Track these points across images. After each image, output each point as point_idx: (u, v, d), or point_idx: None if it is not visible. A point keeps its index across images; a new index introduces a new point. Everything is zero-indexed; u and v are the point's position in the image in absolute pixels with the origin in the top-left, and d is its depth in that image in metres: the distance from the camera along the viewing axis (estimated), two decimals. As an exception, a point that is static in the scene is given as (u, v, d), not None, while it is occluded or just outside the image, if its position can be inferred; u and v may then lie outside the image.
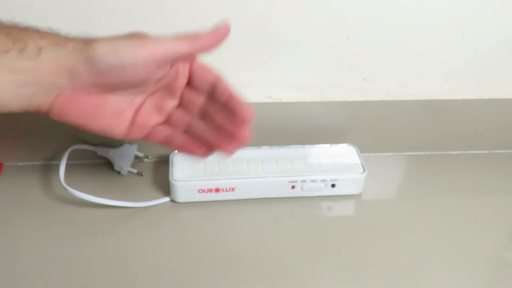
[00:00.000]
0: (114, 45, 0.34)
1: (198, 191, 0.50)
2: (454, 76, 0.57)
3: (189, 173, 0.51)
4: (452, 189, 0.55)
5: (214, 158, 0.53)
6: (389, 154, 0.61)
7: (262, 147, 0.55)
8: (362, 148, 0.56)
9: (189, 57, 0.39)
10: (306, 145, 0.56)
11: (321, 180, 0.52)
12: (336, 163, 0.53)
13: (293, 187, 0.52)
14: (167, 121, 0.41)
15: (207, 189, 0.51)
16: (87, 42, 0.35)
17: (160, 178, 0.54)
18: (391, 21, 0.52)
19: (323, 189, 0.52)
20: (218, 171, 0.52)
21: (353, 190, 0.53)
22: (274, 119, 0.56)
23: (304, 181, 0.51)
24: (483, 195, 0.55)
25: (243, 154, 0.54)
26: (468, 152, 0.61)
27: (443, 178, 0.57)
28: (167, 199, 0.52)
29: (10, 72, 0.33)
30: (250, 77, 0.55)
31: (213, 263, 0.45)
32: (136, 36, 0.35)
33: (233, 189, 0.51)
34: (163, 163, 0.57)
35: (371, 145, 0.59)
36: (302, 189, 0.52)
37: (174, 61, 0.37)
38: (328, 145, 0.56)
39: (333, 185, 0.52)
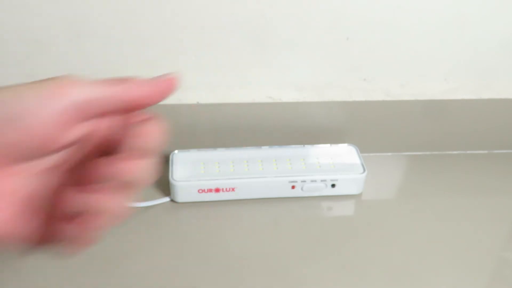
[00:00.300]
0: (19, 91, 0.23)
1: (198, 191, 0.50)
2: (454, 76, 0.57)
3: (189, 173, 0.51)
4: (452, 189, 0.55)
5: (214, 158, 0.53)
6: (389, 154, 0.61)
7: (262, 147, 0.55)
8: (362, 148, 0.56)
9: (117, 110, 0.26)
10: (306, 145, 0.56)
11: (321, 180, 0.52)
12: (336, 163, 0.53)
13: (293, 187, 0.52)
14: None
15: (207, 189, 0.51)
16: None
17: (160, 178, 0.54)
18: (391, 21, 0.52)
19: (323, 189, 0.52)
20: (218, 171, 0.52)
21: (353, 190, 0.53)
22: (274, 119, 0.56)
23: (304, 181, 0.51)
24: (483, 195, 0.55)
25: (243, 154, 0.54)
26: (468, 152, 0.61)
27: (443, 178, 0.57)
28: (167, 199, 0.52)
29: None
30: (250, 77, 0.55)
31: (213, 263, 0.45)
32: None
33: (233, 189, 0.51)
34: (163, 163, 0.57)
35: (371, 145, 0.59)
36: (302, 189, 0.52)
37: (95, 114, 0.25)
38: (328, 145, 0.56)
39: (333, 185, 0.52)
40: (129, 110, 0.26)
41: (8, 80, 0.53)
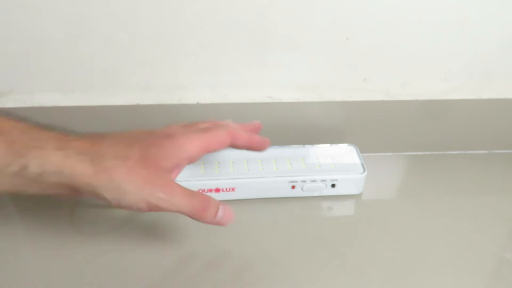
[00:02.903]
0: (124, 192, 0.36)
1: (198, 191, 0.50)
2: (454, 76, 0.57)
3: (189, 173, 0.51)
4: (452, 189, 0.55)
5: (214, 158, 0.53)
6: (389, 154, 0.61)
7: (262, 147, 0.55)
8: (362, 148, 0.56)
9: None
10: (306, 145, 0.56)
11: (321, 180, 0.52)
12: (336, 163, 0.53)
13: (293, 187, 0.52)
14: None
15: (207, 189, 0.51)
16: (98, 175, 0.35)
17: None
18: (391, 21, 0.52)
19: (323, 189, 0.52)
20: (218, 171, 0.52)
21: (353, 190, 0.53)
22: (274, 119, 0.56)
23: (304, 181, 0.51)
24: (483, 195, 0.55)
25: (243, 154, 0.54)
26: (468, 152, 0.61)
27: (443, 178, 0.57)
28: (167, 199, 0.52)
29: (10, 186, 0.35)
30: (250, 77, 0.55)
31: (213, 263, 0.45)
32: (151, 183, 0.37)
33: (233, 189, 0.51)
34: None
35: (371, 145, 0.59)
36: (302, 189, 0.52)
37: None
38: (328, 145, 0.56)
39: (333, 185, 0.52)
40: None
41: (8, 80, 0.53)
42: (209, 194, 0.51)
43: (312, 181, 0.51)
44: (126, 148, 0.37)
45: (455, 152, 0.61)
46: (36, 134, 0.36)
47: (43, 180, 0.35)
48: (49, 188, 0.36)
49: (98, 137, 0.38)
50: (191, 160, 0.40)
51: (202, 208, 0.39)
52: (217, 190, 0.51)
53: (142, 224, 0.49)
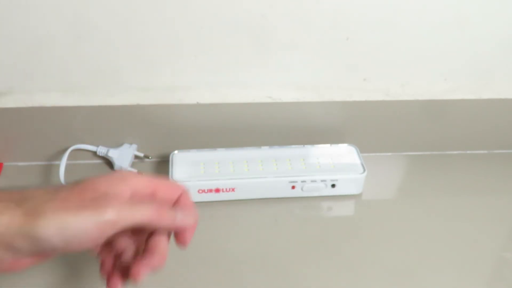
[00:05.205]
0: (63, 223, 0.29)
1: (198, 191, 0.50)
2: (454, 76, 0.57)
3: (189, 173, 0.51)
4: (452, 189, 0.55)
5: (214, 158, 0.53)
6: (389, 154, 0.61)
7: (262, 147, 0.55)
8: (362, 148, 0.56)
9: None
10: (306, 145, 0.56)
11: (321, 180, 0.52)
12: (336, 163, 0.53)
13: (293, 187, 0.52)
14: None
15: (207, 189, 0.51)
16: (28, 213, 0.29)
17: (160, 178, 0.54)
18: (391, 21, 0.52)
19: (323, 189, 0.52)
20: (218, 171, 0.52)
21: (353, 190, 0.53)
22: (274, 119, 0.56)
23: (304, 181, 0.51)
24: (483, 195, 0.55)
25: (243, 154, 0.54)
26: (468, 152, 0.61)
27: (443, 178, 0.57)
28: (167, 199, 0.52)
29: None
30: (250, 77, 0.55)
31: (213, 263, 0.45)
32: (92, 204, 0.30)
33: (233, 189, 0.51)
34: (163, 163, 0.57)
35: (371, 145, 0.59)
36: (302, 189, 0.52)
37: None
38: (328, 145, 0.56)
39: (333, 185, 0.52)
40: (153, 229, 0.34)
41: (8, 80, 0.53)
42: (209, 194, 0.51)
43: (312, 181, 0.51)
44: (53, 189, 0.32)
45: (455, 152, 0.61)
46: None
47: None
48: None
49: (18, 191, 0.32)
50: (134, 197, 0.33)
51: (157, 210, 0.32)
52: (217, 190, 0.51)
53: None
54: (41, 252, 0.30)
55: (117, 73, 0.53)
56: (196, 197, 0.51)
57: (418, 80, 0.57)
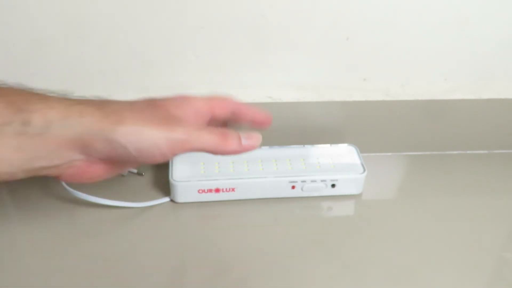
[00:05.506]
0: (140, 133, 0.32)
1: (198, 191, 0.50)
2: (454, 76, 0.57)
3: (189, 173, 0.51)
4: (452, 189, 0.55)
5: (214, 158, 0.53)
6: (389, 154, 0.61)
7: (262, 147, 0.55)
8: (362, 148, 0.56)
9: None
10: (306, 145, 0.56)
11: (321, 180, 0.52)
12: (336, 163, 0.53)
13: (293, 187, 0.52)
14: None
15: (207, 189, 0.51)
16: (109, 117, 0.32)
17: (160, 178, 0.54)
18: (391, 21, 0.52)
19: (323, 189, 0.52)
20: (218, 171, 0.52)
21: (353, 190, 0.53)
22: (274, 119, 0.56)
23: (304, 181, 0.51)
24: (483, 195, 0.55)
25: (243, 154, 0.53)
26: (468, 152, 0.61)
27: (443, 178, 0.57)
28: (167, 199, 0.52)
29: (14, 149, 0.30)
30: (250, 77, 0.55)
31: (213, 263, 0.45)
32: (165, 122, 0.34)
33: (233, 189, 0.51)
34: (163, 163, 0.57)
35: (371, 145, 0.59)
36: (302, 189, 0.52)
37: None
38: (328, 145, 0.56)
39: (333, 185, 0.52)
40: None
41: (9, 80, 0.53)
42: (209, 194, 0.51)
43: (312, 181, 0.51)
44: (129, 102, 0.35)
45: (455, 152, 0.61)
46: (36, 93, 0.33)
47: (48, 137, 0.30)
48: (55, 151, 0.31)
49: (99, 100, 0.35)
50: (198, 117, 0.38)
51: (224, 138, 0.38)
52: (217, 190, 0.51)
53: (142, 224, 0.49)
54: (114, 158, 0.32)
55: (116, 73, 0.53)
56: (196, 197, 0.51)
57: (418, 80, 0.57)
